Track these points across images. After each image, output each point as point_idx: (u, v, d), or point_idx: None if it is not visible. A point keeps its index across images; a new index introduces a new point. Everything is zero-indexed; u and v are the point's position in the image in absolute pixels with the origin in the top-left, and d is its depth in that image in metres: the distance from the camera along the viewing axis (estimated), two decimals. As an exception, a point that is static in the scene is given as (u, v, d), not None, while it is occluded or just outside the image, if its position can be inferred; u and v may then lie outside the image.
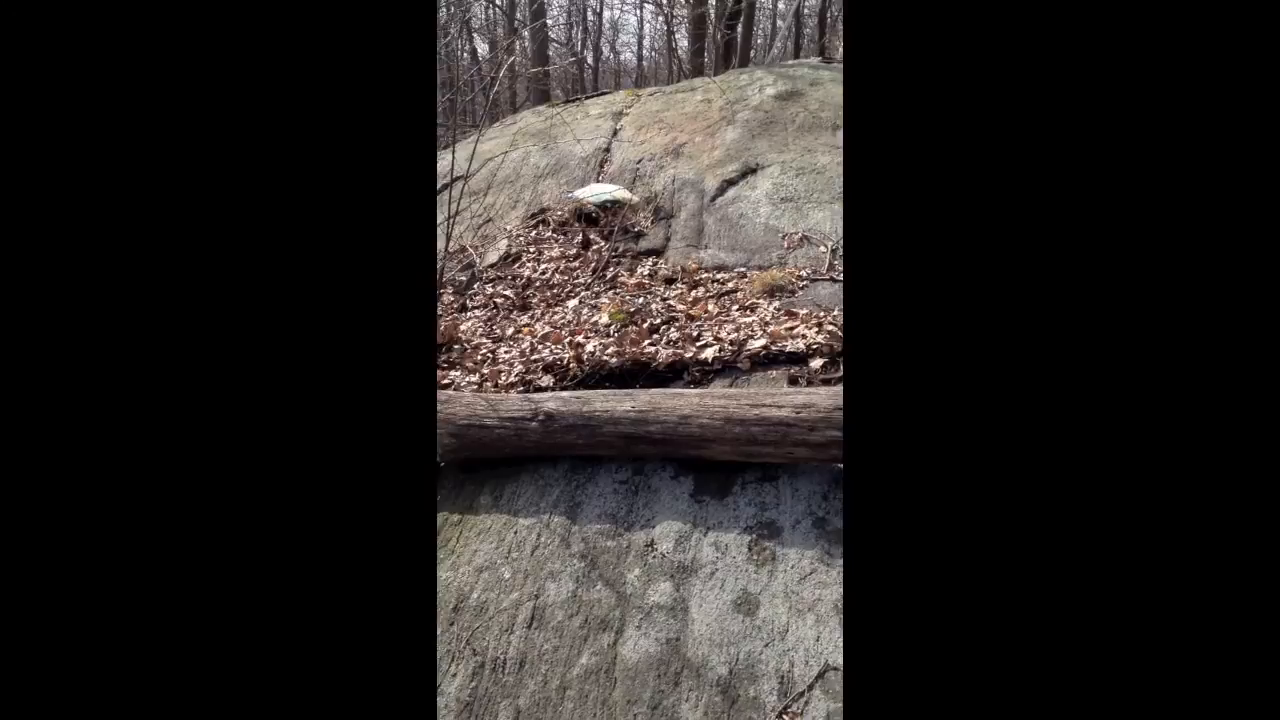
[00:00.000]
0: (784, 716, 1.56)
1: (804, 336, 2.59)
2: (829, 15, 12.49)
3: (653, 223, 3.69)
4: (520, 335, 2.97)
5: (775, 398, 2.08)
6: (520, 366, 2.71)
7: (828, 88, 4.86)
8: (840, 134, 4.12)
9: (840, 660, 1.65)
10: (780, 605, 1.80)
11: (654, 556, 1.96)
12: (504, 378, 2.67)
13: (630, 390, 2.32)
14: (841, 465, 2.08)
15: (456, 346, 2.94)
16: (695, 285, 3.16)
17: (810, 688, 1.61)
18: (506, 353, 2.85)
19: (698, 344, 2.67)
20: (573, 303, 3.17)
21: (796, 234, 3.38)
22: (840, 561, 1.87)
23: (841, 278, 3.03)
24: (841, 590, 1.80)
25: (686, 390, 2.31)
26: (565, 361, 2.67)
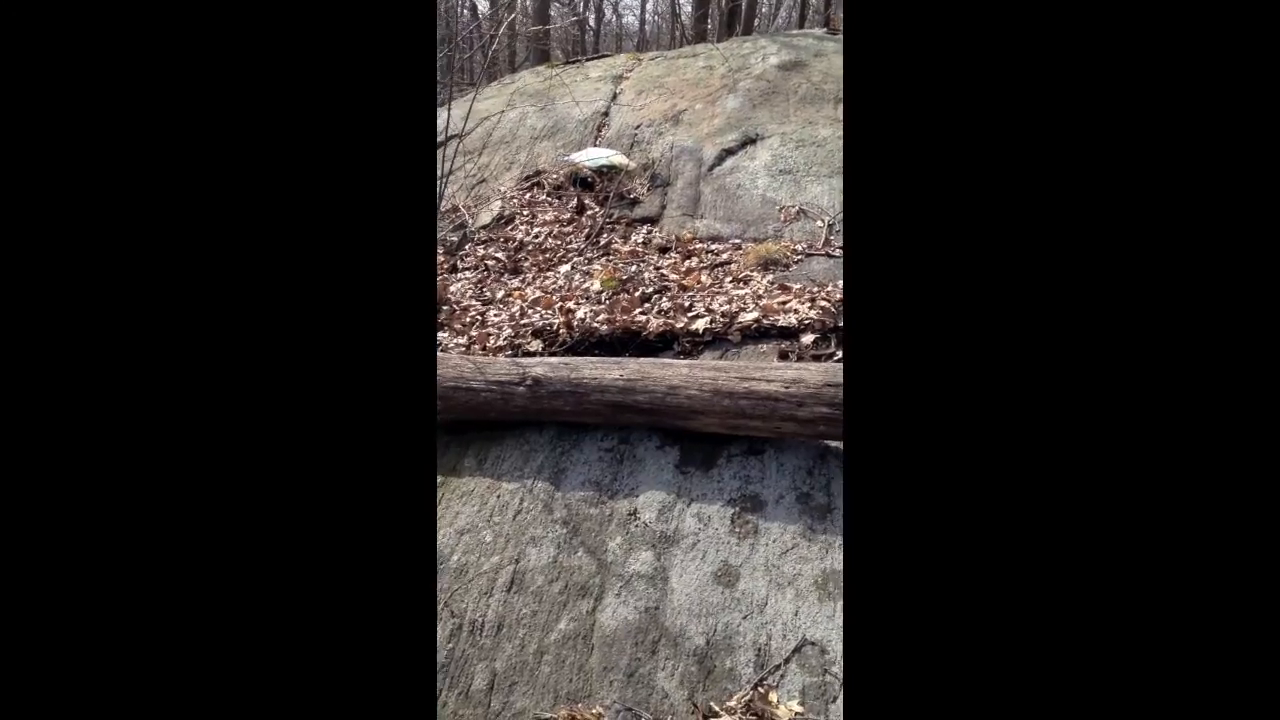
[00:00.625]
0: (759, 689, 1.56)
1: (796, 311, 2.57)
2: (836, -14, 12.25)
3: (649, 190, 3.63)
4: (510, 299, 2.93)
5: (765, 372, 2.07)
6: (509, 330, 2.67)
7: (831, 59, 4.78)
8: (842, 106, 4.06)
9: (818, 635, 1.66)
10: (760, 578, 1.81)
11: (636, 525, 1.96)
12: (492, 341, 2.63)
13: (619, 359, 2.30)
14: (828, 442, 2.08)
15: (445, 308, 2.90)
16: (689, 255, 3.12)
17: (786, 661, 1.62)
18: (496, 316, 2.81)
19: (689, 314, 2.64)
20: (565, 268, 3.13)
21: (794, 207, 3.34)
22: (822, 537, 1.87)
23: (838, 253, 3.00)
24: (821, 566, 1.81)
25: (676, 361, 2.29)
26: (555, 327, 2.64)
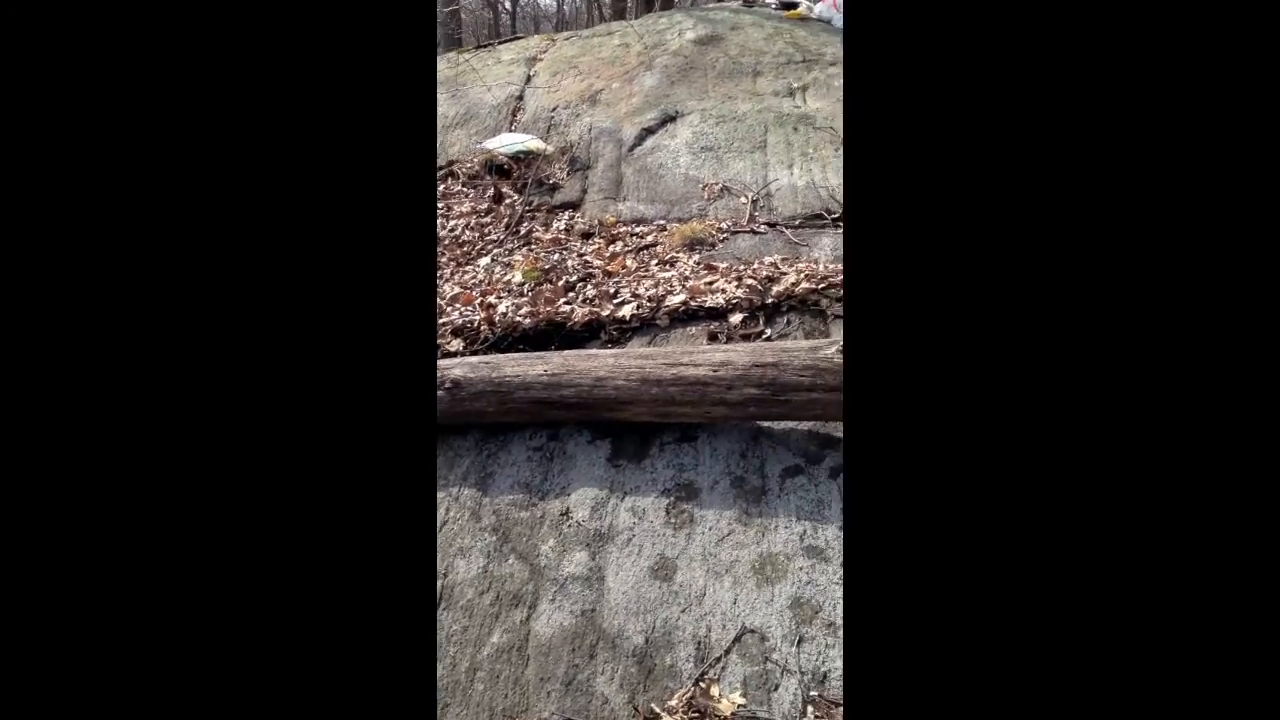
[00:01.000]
0: (701, 684, 1.53)
1: (724, 291, 2.52)
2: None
3: (568, 174, 3.53)
4: (428, 296, 2.80)
5: (692, 356, 2.02)
6: (428, 330, 2.55)
7: (748, 32, 4.73)
8: (760, 80, 4.02)
9: (756, 622, 1.63)
10: (698, 569, 1.77)
11: (569, 525, 1.89)
12: (410, 343, 2.51)
13: (543, 353, 2.21)
14: (760, 423, 2.04)
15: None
16: (613, 240, 3.04)
17: (727, 652, 1.58)
18: (413, 316, 2.68)
19: (615, 301, 2.57)
20: (484, 261, 3.02)
21: (717, 185, 3.29)
22: (758, 520, 1.84)
23: (763, 229, 2.96)
24: (758, 550, 1.78)
25: (601, 351, 2.22)
26: (476, 324, 2.54)
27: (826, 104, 3.74)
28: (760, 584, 1.71)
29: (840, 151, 3.31)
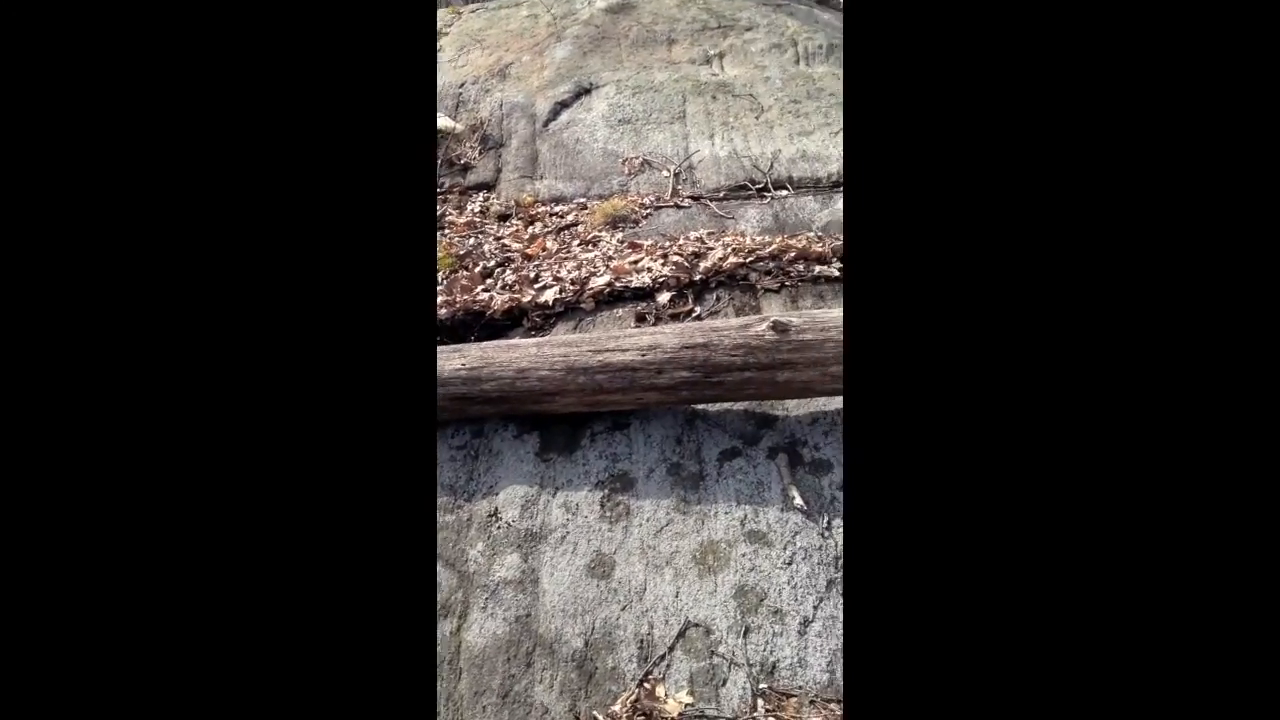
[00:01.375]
0: (645, 685, 1.46)
1: (650, 270, 2.43)
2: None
3: (481, 153, 3.36)
4: (335, 290, 2.61)
5: (619, 341, 1.92)
6: (336, 326, 2.38)
7: None
8: (676, 48, 3.92)
9: (700, 615, 1.57)
10: (637, 563, 1.69)
11: (499, 527, 1.79)
12: (317, 341, 2.33)
13: (459, 345, 2.08)
14: (694, 406, 1.97)
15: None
16: (532, 220, 2.90)
17: (671, 649, 1.52)
18: (320, 311, 2.50)
19: (536, 286, 2.45)
20: (396, 248, 2.83)
21: (637, 158, 3.18)
22: (697, 508, 1.78)
23: (686, 204, 2.88)
24: (698, 539, 1.72)
25: (523, 341, 2.10)
26: (388, 316, 2.37)
27: (744, 71, 3.67)
28: (702, 574, 1.65)
29: (761, 119, 3.25)
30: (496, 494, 1.86)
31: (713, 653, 1.51)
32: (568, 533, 1.77)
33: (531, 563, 1.71)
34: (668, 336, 1.89)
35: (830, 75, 3.53)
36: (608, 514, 1.80)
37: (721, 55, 3.85)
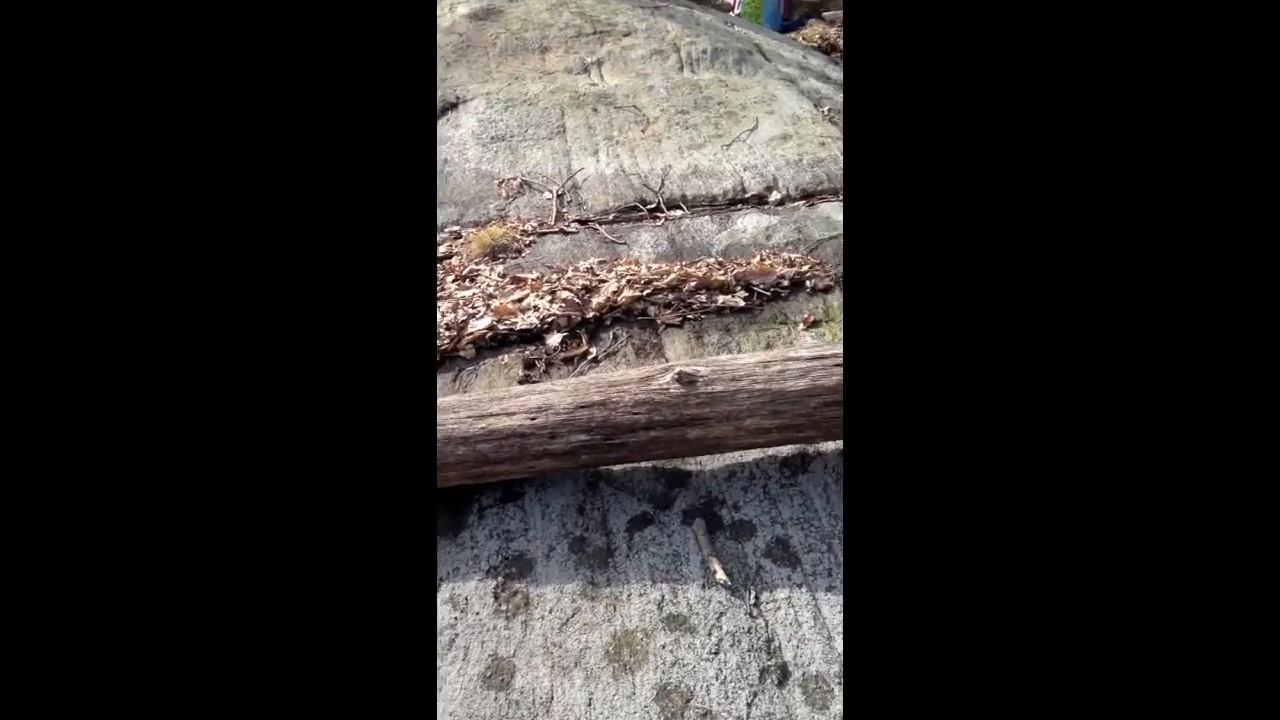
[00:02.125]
0: (560, 833, 1.22)
1: (536, 309, 2.19)
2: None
3: (339, 178, 3.00)
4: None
5: (504, 403, 1.67)
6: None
7: (530, 4, 4.34)
8: (550, 57, 3.67)
9: (620, 730, 1.34)
10: (540, 666, 1.45)
11: (373, 641, 1.49)
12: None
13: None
14: (596, 469, 1.75)
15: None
16: (400, 254, 2.59)
17: (588, 779, 1.29)
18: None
19: (407, 333, 2.15)
20: (238, 294, 2.45)
21: (515, 179, 2.92)
22: (606, 590, 1.55)
23: (573, 229, 2.65)
24: (610, 630, 1.49)
25: (392, 405, 1.81)
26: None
27: (625, 80, 3.47)
28: (617, 674, 1.43)
29: (647, 131, 3.06)
30: (368, 598, 1.56)
31: (637, 777, 1.29)
32: (457, 634, 1.50)
33: (415, 683, 1.43)
34: (560, 395, 1.65)
35: (717, 82, 3.39)
36: (503, 607, 1.54)
37: (600, 63, 3.64)
